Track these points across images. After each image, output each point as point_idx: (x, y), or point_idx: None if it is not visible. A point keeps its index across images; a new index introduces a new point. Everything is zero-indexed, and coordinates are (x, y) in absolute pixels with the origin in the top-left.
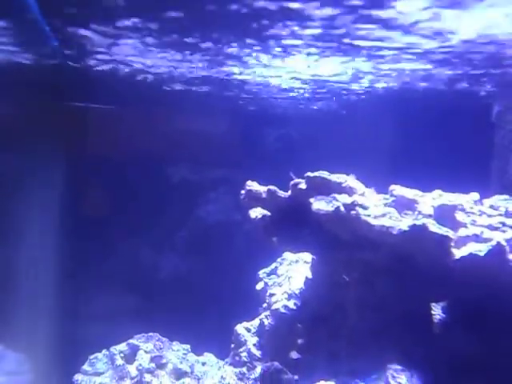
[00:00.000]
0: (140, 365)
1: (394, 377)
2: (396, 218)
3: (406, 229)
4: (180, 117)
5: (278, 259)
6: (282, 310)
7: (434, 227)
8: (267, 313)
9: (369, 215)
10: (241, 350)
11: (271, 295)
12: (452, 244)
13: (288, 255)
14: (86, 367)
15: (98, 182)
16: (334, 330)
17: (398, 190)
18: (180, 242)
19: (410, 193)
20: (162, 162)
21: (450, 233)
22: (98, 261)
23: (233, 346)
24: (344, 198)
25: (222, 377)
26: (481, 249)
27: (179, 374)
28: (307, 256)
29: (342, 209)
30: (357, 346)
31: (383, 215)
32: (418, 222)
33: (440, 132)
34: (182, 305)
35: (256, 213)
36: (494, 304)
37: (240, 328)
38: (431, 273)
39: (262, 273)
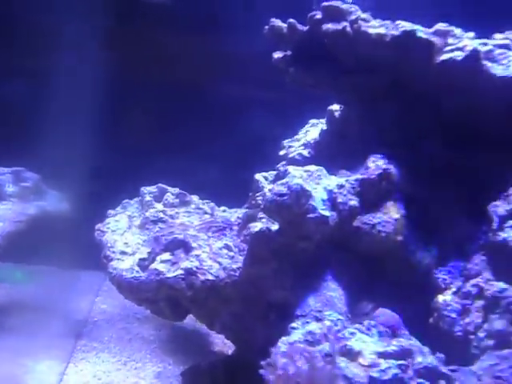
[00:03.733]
0: (166, 199)
1: (373, 161)
2: (392, 28)
3: (398, 33)
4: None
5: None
6: (297, 158)
7: (421, 33)
8: (284, 162)
9: (368, 26)
10: (257, 194)
11: (289, 147)
12: (436, 50)
13: (310, 122)
14: (118, 208)
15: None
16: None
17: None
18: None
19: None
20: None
21: (435, 39)
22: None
23: (251, 193)
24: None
25: (237, 217)
26: (459, 54)
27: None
28: None
29: (349, 29)
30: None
31: (380, 26)
32: (408, 28)
33: None
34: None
35: (278, 54)
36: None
37: (258, 176)
38: (419, 84)
39: (285, 142)
